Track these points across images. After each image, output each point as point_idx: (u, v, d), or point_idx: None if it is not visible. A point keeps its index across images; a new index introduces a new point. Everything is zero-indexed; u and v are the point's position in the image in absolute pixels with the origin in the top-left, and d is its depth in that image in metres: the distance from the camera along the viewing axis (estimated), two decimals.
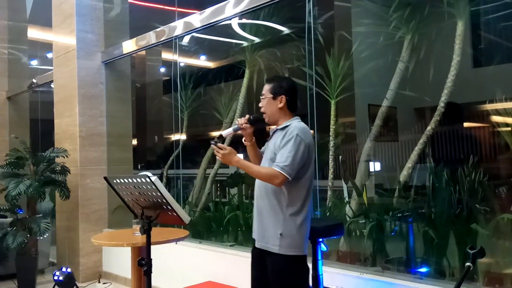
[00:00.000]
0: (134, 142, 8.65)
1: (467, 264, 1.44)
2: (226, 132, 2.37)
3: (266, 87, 2.41)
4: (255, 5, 3.81)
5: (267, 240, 2.28)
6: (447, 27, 4.85)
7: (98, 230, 5.28)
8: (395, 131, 6.92)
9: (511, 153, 4.18)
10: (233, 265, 3.93)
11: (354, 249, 4.12)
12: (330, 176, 4.51)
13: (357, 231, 4.11)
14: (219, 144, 2.26)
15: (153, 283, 4.15)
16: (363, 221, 4.05)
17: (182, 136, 6.13)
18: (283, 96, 2.36)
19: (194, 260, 4.36)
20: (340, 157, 5.12)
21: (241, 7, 3.94)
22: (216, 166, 5.74)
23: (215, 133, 6.40)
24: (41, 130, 7.85)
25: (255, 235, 2.39)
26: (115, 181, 2.39)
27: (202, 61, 11.20)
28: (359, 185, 4.46)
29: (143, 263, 2.29)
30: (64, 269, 4.79)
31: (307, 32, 4.28)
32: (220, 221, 4.73)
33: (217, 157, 2.29)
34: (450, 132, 5.73)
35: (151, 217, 2.32)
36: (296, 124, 2.31)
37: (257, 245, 2.35)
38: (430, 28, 5.04)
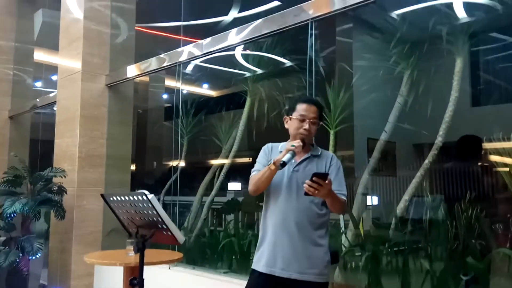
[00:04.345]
0: (133, 167, 8.67)
1: None
2: (288, 159, 2.16)
3: (318, 112, 2.33)
4: (257, 34, 3.90)
5: (314, 271, 2.20)
6: (446, 64, 4.95)
7: (91, 252, 5.20)
8: (394, 166, 6.95)
9: (508, 192, 4.19)
10: None
11: (349, 281, 4.07)
12: None
13: (352, 263, 4.07)
14: (328, 179, 2.02)
15: None
16: (359, 253, 4.02)
17: (181, 163, 6.16)
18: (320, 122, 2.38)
19: (187, 285, 4.29)
20: None
21: (243, 35, 4.03)
22: (213, 193, 5.73)
23: (216, 161, 6.48)
24: (41, 151, 7.87)
25: (287, 267, 2.21)
26: (111, 198, 2.39)
27: (205, 90, 11.37)
28: (355, 217, 4.44)
29: (134, 283, 2.27)
30: None
31: (308, 65, 4.37)
32: (215, 248, 4.69)
33: (313, 193, 2.03)
34: (448, 168, 5.77)
35: (146, 236, 2.31)
36: (329, 152, 2.41)
37: (297, 277, 2.19)
38: (429, 64, 5.15)
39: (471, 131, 5.58)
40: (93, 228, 5.32)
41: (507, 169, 4.21)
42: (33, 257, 4.67)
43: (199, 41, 4.57)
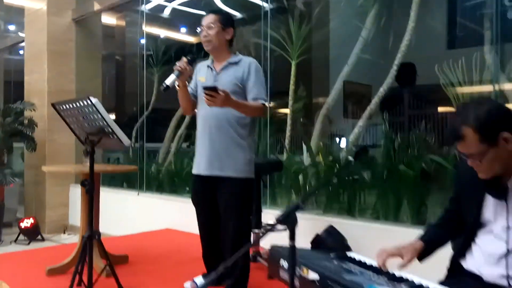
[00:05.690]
0: (113, 116, 8.77)
1: (350, 158, 1.63)
2: (170, 81, 2.28)
3: (214, 18, 2.42)
4: None
5: (233, 168, 2.36)
6: None
7: (65, 184, 5.41)
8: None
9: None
10: (191, 213, 4.11)
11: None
12: (288, 133, 4.69)
13: (307, 187, 4.26)
14: (220, 90, 2.12)
15: (112, 232, 4.34)
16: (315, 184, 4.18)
17: (152, 105, 6.27)
18: (231, 28, 2.46)
19: (155, 210, 4.53)
20: (301, 119, 5.32)
21: None
22: (183, 127, 5.89)
23: None
24: (14, 94, 7.90)
25: (209, 166, 2.40)
26: (61, 107, 2.53)
27: (184, 36, 11.25)
28: (314, 145, 4.61)
29: (85, 184, 2.45)
30: (29, 219, 4.96)
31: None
32: (181, 175, 4.90)
33: (209, 104, 2.16)
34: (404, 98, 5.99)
35: (94, 140, 2.47)
36: (249, 59, 2.47)
37: (218, 174, 2.37)
38: None
39: (446, 73, 5.72)
40: (66, 161, 5.47)
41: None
42: (6, 186, 4.85)
43: None
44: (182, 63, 2.32)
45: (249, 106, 2.35)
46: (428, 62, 5.84)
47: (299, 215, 3.24)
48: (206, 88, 2.13)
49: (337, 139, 6.20)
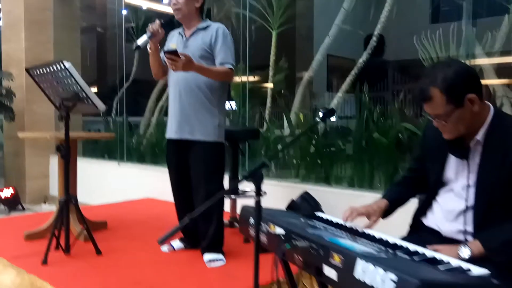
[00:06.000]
0: (95, 89, 8.68)
1: (317, 119, 1.66)
2: (142, 41, 2.31)
3: None
4: None
5: (202, 132, 2.40)
6: None
7: (44, 155, 5.38)
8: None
9: None
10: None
11: (282, 174, 4.35)
12: (268, 105, 4.71)
13: (286, 157, 4.32)
14: (181, 53, 2.15)
15: (93, 201, 4.35)
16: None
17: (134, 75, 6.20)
18: None
19: (135, 179, 4.55)
20: (282, 91, 5.34)
21: None
22: (164, 98, 5.87)
23: None
24: None
25: (179, 129, 2.45)
26: (35, 72, 2.51)
27: (164, 6, 11.04)
28: (294, 116, 4.65)
29: (61, 148, 2.46)
30: (8, 189, 4.95)
31: None
32: (161, 145, 4.91)
33: (172, 67, 2.21)
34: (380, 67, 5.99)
35: (69, 106, 2.46)
36: (217, 24, 2.49)
37: (188, 137, 2.43)
38: None
39: (429, 47, 5.75)
40: (45, 131, 5.41)
41: None
42: None
43: None
44: (155, 25, 2.35)
45: (215, 70, 2.38)
46: (411, 36, 5.89)
47: (277, 184, 3.32)
48: (166, 52, 2.16)
49: (319, 113, 6.22)
